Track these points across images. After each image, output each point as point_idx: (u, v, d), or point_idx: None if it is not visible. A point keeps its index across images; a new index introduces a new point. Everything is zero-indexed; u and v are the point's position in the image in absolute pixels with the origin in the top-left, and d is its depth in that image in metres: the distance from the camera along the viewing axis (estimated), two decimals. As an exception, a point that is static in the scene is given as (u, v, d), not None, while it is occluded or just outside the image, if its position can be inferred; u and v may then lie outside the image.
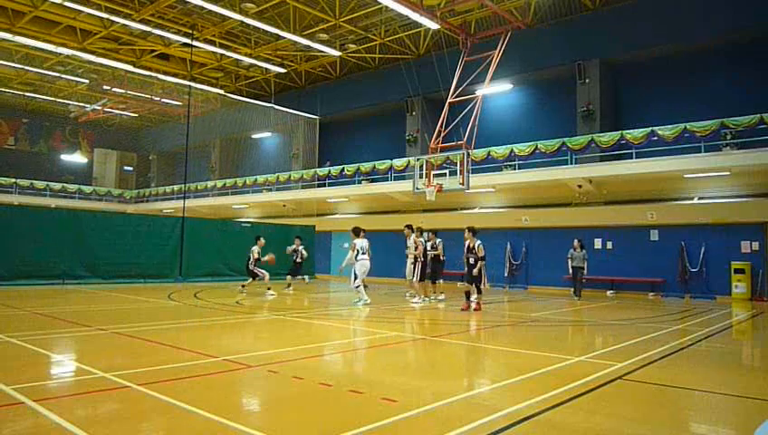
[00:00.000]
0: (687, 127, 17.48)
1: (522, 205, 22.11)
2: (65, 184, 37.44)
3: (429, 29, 22.46)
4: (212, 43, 25.70)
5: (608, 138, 19.19)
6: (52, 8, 22.62)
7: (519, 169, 21.28)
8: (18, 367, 5.91)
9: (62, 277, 17.07)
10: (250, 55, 27.00)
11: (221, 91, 32.18)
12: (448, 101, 19.40)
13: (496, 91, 23.22)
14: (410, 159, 22.89)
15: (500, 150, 21.22)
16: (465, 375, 6.58)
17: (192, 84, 26.11)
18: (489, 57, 18.80)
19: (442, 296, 15.02)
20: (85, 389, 5.03)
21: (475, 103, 18.64)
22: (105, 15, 22.40)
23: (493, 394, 5.32)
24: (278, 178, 30.40)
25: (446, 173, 18.17)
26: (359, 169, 26.09)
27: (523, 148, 20.78)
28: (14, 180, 34.71)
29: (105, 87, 31.72)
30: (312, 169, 29.35)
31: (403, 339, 8.80)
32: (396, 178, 24.76)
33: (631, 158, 18.78)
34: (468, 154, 17.42)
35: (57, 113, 37.76)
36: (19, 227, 16.65)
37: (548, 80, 23.14)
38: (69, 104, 35.47)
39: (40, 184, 35.84)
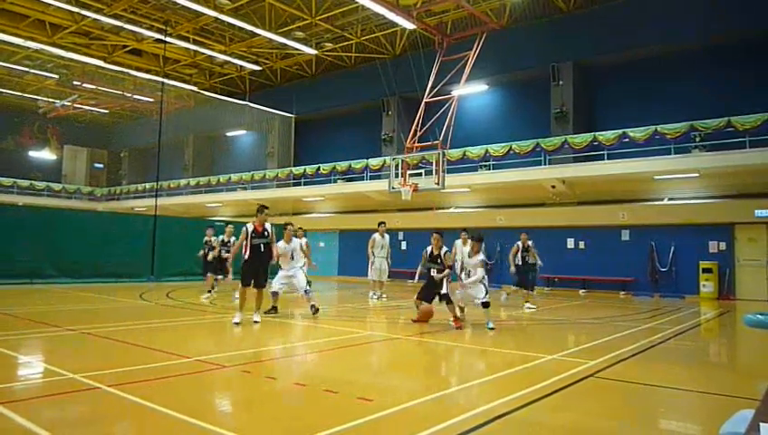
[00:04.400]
0: (658, 129, 17.83)
1: (496, 205, 22.31)
2: (33, 181, 36.57)
3: (406, 29, 22.49)
4: (185, 39, 25.35)
5: (581, 139, 19.47)
6: (21, 1, 22.07)
7: (494, 169, 21.46)
8: (-17, 369, 5.76)
9: (30, 277, 16.67)
10: (224, 52, 26.71)
11: (194, 88, 31.77)
12: (424, 100, 19.48)
13: (472, 92, 23.38)
14: (386, 158, 22.89)
15: (475, 151, 21.37)
16: (440, 374, 6.61)
17: (165, 81, 25.70)
18: (465, 58, 18.92)
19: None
20: (54, 391, 4.93)
21: (451, 104, 18.76)
22: (76, 9, 21.93)
23: (467, 393, 5.36)
24: (253, 176, 30.15)
25: (421, 173, 18.26)
26: (335, 168, 26.02)
27: (497, 148, 20.96)
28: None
29: (75, 82, 31.05)
30: (288, 168, 29.17)
31: (378, 338, 8.81)
32: (372, 178, 24.76)
33: (603, 159, 19.08)
34: (444, 154, 17.53)
35: (25, 109, 36.82)
36: (-16, 225, 16.23)
37: (523, 81, 23.37)
38: (38, 99, 34.62)
39: (7, 181, 34.93)
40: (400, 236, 23.77)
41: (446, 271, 9.67)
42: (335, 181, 26.73)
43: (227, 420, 4.37)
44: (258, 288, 9.54)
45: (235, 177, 30.79)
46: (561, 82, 21.35)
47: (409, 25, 20.19)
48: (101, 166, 43.38)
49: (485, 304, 9.46)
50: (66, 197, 37.81)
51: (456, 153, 21.22)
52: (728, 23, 18.36)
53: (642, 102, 20.35)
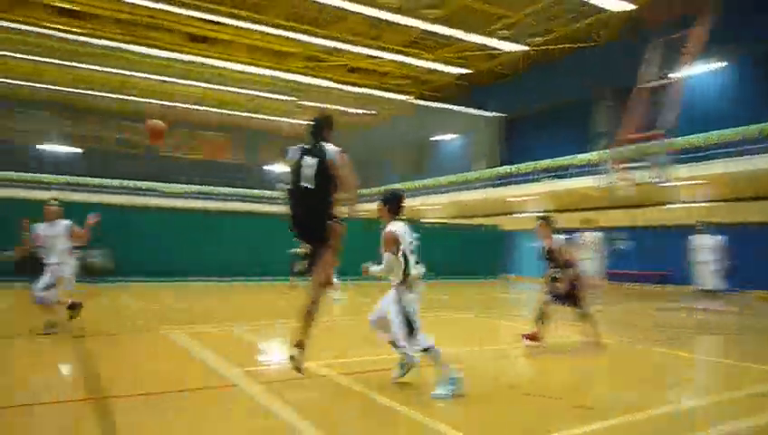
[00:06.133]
0: None
1: (740, 198, 19.48)
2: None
3: (614, 13, 21.04)
4: (397, 52, 26.56)
5: None
6: (256, 35, 25.26)
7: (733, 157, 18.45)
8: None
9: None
10: (432, 60, 27.46)
11: (407, 98, 33.36)
12: (639, 87, 17.99)
13: (699, 72, 20.62)
14: (598, 152, 21.54)
15: (714, 135, 18.84)
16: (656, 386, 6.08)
17: (380, 93, 27.33)
18: (689, 34, 17.01)
19: None
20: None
21: (673, 88, 17.06)
22: (306, 38, 24.61)
23: (705, 409, 4.89)
24: (466, 178, 30.36)
25: (640, 165, 16.96)
26: (536, 165, 25.38)
27: (733, 133, 18.27)
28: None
29: (304, 103, 34.77)
30: (494, 169, 29.12)
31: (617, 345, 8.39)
32: (584, 173, 23.43)
33: None
34: (666, 144, 16.07)
35: (267, 129, 42.26)
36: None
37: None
38: (277, 121, 39.56)
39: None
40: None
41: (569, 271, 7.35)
42: (537, 180, 25.70)
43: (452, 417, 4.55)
44: None
45: (443, 180, 31.59)
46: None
47: (627, 6, 18.95)
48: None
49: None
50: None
51: (679, 141, 18.99)
52: None
53: None
